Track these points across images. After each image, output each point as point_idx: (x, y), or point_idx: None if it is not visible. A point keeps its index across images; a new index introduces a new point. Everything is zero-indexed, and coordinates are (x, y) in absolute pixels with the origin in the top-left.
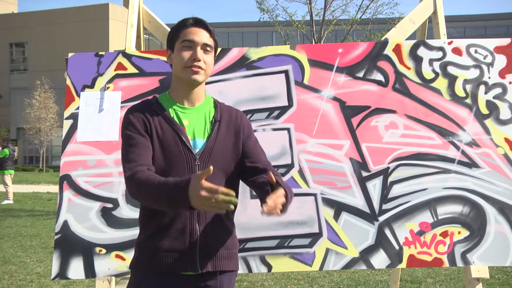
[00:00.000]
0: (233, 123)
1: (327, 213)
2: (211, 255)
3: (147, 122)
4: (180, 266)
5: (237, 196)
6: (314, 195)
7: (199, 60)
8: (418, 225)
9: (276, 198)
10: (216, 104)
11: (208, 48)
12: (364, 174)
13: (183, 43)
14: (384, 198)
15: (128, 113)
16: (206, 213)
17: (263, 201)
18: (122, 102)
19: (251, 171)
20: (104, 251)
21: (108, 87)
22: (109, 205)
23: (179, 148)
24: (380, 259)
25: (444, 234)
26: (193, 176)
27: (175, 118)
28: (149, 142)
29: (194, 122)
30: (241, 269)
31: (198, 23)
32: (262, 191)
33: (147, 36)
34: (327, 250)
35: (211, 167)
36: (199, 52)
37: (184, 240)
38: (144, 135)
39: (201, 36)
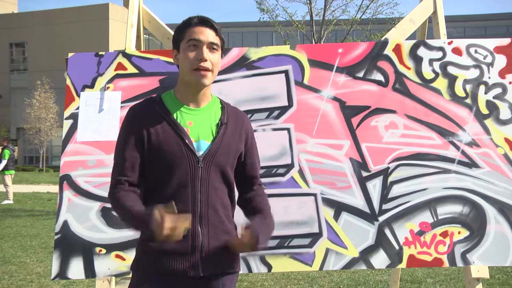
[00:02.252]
0: (239, 128)
1: (327, 213)
2: (213, 258)
3: (145, 128)
4: (182, 268)
5: (234, 198)
6: (314, 195)
7: (206, 60)
8: (418, 225)
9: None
10: (223, 105)
11: (215, 47)
12: (364, 174)
13: (188, 43)
14: (384, 198)
15: (128, 117)
16: (209, 216)
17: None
18: (122, 102)
19: (248, 185)
20: (104, 251)
21: (108, 87)
22: (109, 205)
23: (181, 150)
24: (380, 259)
25: (444, 234)
26: (156, 213)
27: (179, 119)
28: (140, 154)
29: (199, 124)
30: (241, 269)
31: (203, 21)
32: (250, 216)
33: (147, 36)
34: (327, 250)
35: (174, 205)
36: (205, 51)
37: (186, 243)
38: (136, 147)
39: (207, 35)
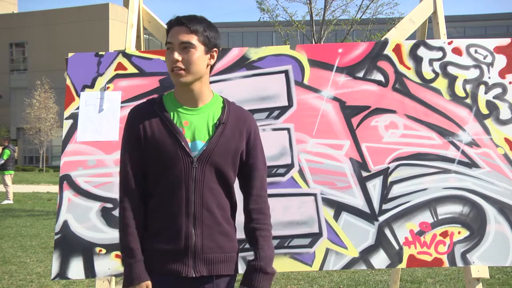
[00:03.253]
0: (240, 126)
1: (327, 213)
2: (206, 259)
3: (142, 129)
4: (175, 268)
5: (234, 198)
6: (314, 195)
7: (177, 61)
8: (418, 225)
9: None
10: (225, 104)
11: (186, 45)
12: (364, 174)
13: (166, 46)
14: (384, 198)
15: (127, 119)
16: (203, 217)
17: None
18: (122, 102)
19: (249, 188)
20: (104, 251)
21: (108, 87)
22: (109, 205)
23: (176, 150)
24: (380, 259)
25: (444, 234)
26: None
27: (175, 120)
28: (140, 155)
29: (196, 124)
30: (241, 269)
31: (178, 21)
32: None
33: (147, 36)
34: (327, 250)
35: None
36: (175, 53)
37: (179, 243)
38: (136, 149)
39: (178, 35)
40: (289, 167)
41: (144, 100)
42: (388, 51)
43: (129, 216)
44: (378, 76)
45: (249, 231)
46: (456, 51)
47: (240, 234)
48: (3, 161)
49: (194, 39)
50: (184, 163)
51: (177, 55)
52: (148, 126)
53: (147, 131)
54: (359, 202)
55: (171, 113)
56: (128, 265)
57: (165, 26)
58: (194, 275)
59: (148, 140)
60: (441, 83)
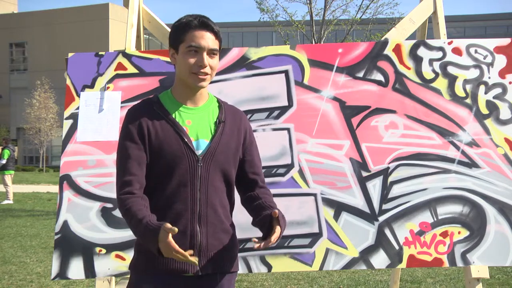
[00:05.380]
0: (237, 125)
1: (327, 213)
2: (211, 257)
3: (145, 127)
4: (180, 268)
5: (233, 197)
6: (314, 195)
7: (206, 67)
8: (418, 225)
9: (275, 238)
10: (220, 104)
11: (215, 52)
12: (364, 174)
13: (188, 48)
14: (384, 198)
15: (127, 118)
16: (208, 215)
17: (262, 232)
18: (122, 102)
19: (249, 182)
20: (104, 251)
21: (108, 87)
22: (109, 205)
23: (181, 149)
24: (380, 259)
25: (444, 234)
26: (162, 231)
27: (177, 119)
28: (144, 153)
29: (198, 123)
30: (241, 269)
31: (204, 25)
32: (256, 213)
33: (147, 36)
34: (327, 250)
35: (176, 229)
36: (206, 58)
37: (185, 242)
38: (139, 147)
39: (207, 40)
40: (289, 167)
41: (139, 101)
42: (388, 51)
43: (132, 203)
44: (378, 76)
45: (260, 203)
46: (456, 51)
47: (240, 234)
48: (4, 161)
49: (218, 45)
50: (190, 162)
51: (208, 60)
52: (151, 126)
53: (150, 131)
54: (359, 202)
55: (173, 113)
56: (142, 233)
57: (165, 26)
58: (200, 273)
59: (151, 140)
60: (441, 83)
